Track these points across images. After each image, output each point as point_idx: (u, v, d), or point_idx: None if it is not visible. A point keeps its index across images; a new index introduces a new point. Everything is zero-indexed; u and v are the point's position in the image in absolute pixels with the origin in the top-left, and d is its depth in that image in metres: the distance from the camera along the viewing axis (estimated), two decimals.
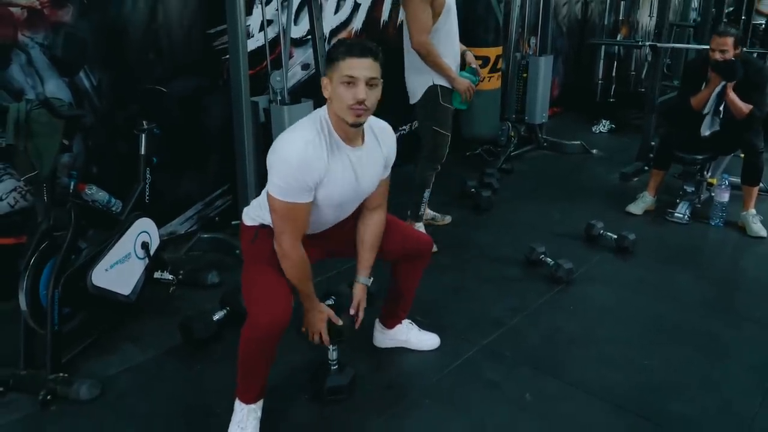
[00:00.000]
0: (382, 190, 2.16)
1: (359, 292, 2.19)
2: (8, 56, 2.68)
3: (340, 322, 2.11)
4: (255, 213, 2.10)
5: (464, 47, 3.46)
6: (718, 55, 3.59)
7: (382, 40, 4.20)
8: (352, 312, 2.17)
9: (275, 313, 1.90)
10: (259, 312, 1.91)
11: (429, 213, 3.83)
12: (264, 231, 2.05)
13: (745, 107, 3.60)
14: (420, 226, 3.55)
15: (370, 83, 1.85)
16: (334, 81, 1.85)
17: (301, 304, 2.07)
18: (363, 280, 2.20)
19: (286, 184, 1.87)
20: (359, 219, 2.19)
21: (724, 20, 5.32)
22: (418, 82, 3.18)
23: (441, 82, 3.17)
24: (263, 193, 2.05)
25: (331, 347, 2.21)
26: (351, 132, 1.94)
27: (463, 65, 3.38)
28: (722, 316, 2.85)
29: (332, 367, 2.24)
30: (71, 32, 2.78)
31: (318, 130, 1.90)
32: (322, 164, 1.88)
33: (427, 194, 3.48)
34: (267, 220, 2.04)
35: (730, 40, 3.58)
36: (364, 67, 1.83)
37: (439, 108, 3.21)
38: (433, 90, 3.17)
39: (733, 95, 3.60)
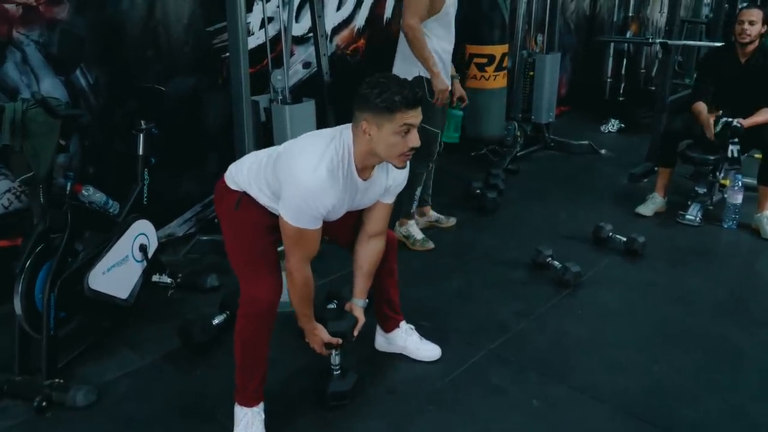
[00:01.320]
0: (383, 216, 2.15)
1: (359, 313, 2.21)
2: (3, 54, 2.64)
3: (339, 342, 2.14)
4: (242, 180, 2.03)
5: (455, 72, 3.45)
6: (746, 26, 3.59)
7: (385, 38, 4.13)
8: (355, 333, 2.19)
9: (270, 287, 1.98)
10: (254, 288, 1.98)
11: (433, 215, 3.77)
12: (247, 197, 2.01)
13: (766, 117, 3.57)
14: (412, 224, 3.50)
15: (417, 126, 1.88)
16: (385, 129, 1.83)
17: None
18: (361, 303, 2.22)
19: (301, 211, 1.87)
20: (358, 243, 2.19)
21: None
22: (403, 70, 3.09)
23: (428, 76, 3.09)
24: (254, 159, 2.04)
25: (333, 352, 2.20)
26: (370, 166, 1.96)
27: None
28: (734, 320, 2.78)
29: (335, 372, 2.23)
30: (67, 29, 2.76)
31: (339, 160, 1.88)
32: (337, 195, 1.89)
33: (418, 192, 3.44)
34: (252, 192, 2.00)
35: (759, 13, 3.59)
36: (417, 115, 1.87)
37: (427, 104, 3.12)
38: (419, 83, 3.09)
39: (750, 121, 3.57)
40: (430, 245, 3.46)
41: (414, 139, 1.87)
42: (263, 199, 2.00)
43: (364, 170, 1.95)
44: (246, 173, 2.03)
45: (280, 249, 2.04)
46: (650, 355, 2.51)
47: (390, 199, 2.15)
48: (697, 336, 2.66)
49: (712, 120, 3.62)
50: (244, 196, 2.02)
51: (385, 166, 2.03)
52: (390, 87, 1.83)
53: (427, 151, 3.27)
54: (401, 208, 3.42)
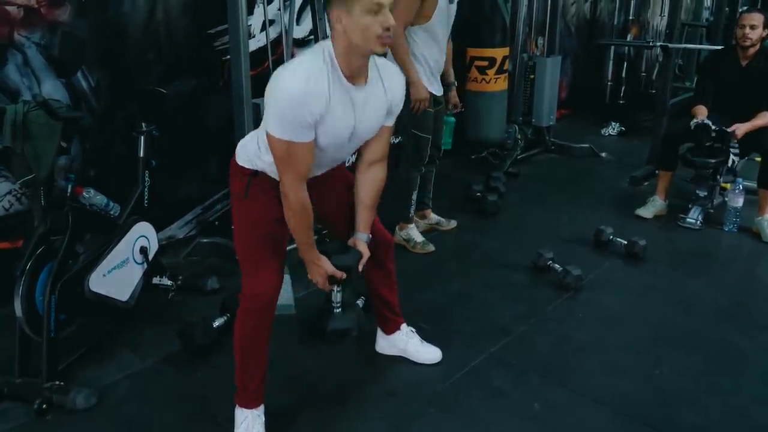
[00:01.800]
0: (383, 141, 2.05)
1: (363, 248, 2.09)
2: (4, 56, 2.64)
3: (343, 276, 2.02)
4: (252, 153, 1.96)
5: (452, 79, 3.46)
6: (747, 30, 3.60)
7: None
8: (360, 269, 2.08)
9: (269, 281, 1.99)
10: (254, 281, 1.98)
11: (434, 218, 3.77)
12: (257, 180, 1.95)
13: (766, 120, 3.58)
14: (412, 227, 3.51)
15: (390, 8, 1.77)
16: (355, 11, 1.72)
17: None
18: (364, 237, 2.10)
19: (284, 121, 1.75)
20: (357, 173, 2.09)
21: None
22: None
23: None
24: (257, 135, 1.97)
25: (335, 289, 2.08)
26: (357, 68, 1.83)
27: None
28: (735, 324, 2.78)
29: (336, 310, 2.11)
30: (69, 32, 2.77)
31: (321, 65, 1.78)
32: (322, 100, 1.76)
33: (414, 195, 3.45)
34: (262, 165, 1.94)
35: (759, 17, 3.61)
36: None
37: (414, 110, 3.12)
38: (405, 86, 3.06)
39: (749, 125, 3.59)
40: (431, 248, 3.46)
41: (387, 18, 1.74)
42: (268, 166, 1.92)
43: (353, 76, 1.83)
44: (254, 143, 1.97)
45: (289, 248, 2.02)
46: (651, 359, 2.51)
47: (390, 122, 2.04)
48: (698, 339, 2.66)
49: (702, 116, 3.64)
50: (254, 178, 1.95)
51: (378, 78, 1.93)
52: None
53: (419, 156, 3.29)
54: (400, 213, 3.42)
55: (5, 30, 2.63)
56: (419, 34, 3.05)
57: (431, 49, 3.11)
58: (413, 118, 3.14)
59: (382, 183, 2.10)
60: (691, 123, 3.66)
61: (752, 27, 3.58)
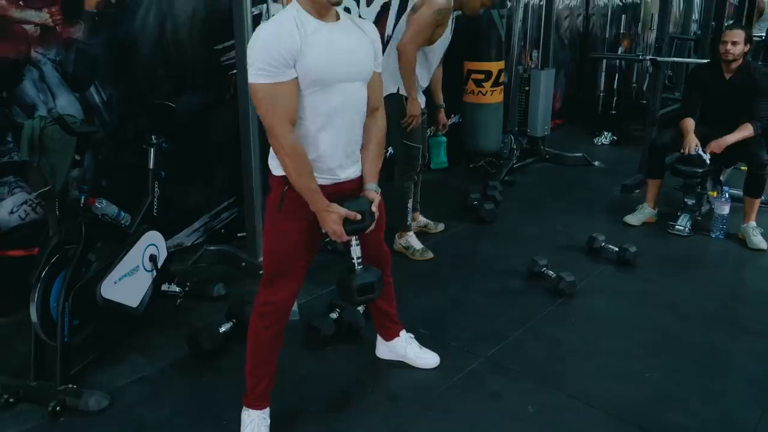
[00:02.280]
0: (376, 86, 2.08)
1: (373, 195, 2.07)
2: (21, 72, 2.74)
3: (358, 217, 1.98)
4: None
5: (441, 102, 3.64)
6: (729, 47, 3.70)
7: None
8: (374, 209, 2.05)
9: (287, 293, 2.08)
10: (272, 289, 2.06)
11: (422, 220, 3.89)
12: (291, 193, 1.95)
13: (748, 133, 3.69)
14: (411, 235, 3.61)
15: None
16: None
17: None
18: (374, 186, 2.09)
19: (263, 64, 1.78)
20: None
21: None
22: (385, 83, 3.20)
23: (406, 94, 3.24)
24: None
25: (353, 241, 2.04)
26: (324, 10, 1.88)
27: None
28: (723, 329, 2.87)
29: (357, 266, 2.06)
30: (83, 48, 2.85)
31: (288, 13, 1.86)
32: (294, 34, 1.81)
33: (410, 204, 3.56)
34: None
35: (741, 33, 3.71)
36: None
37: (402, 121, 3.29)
38: (398, 100, 3.23)
39: (731, 138, 3.69)
40: (429, 255, 3.56)
41: None
42: None
43: (320, 16, 1.88)
44: None
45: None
46: (642, 363, 2.59)
47: (378, 67, 2.08)
48: (688, 344, 2.74)
49: (693, 143, 3.76)
50: (288, 191, 1.96)
51: (352, 22, 1.99)
52: None
53: (411, 166, 3.42)
54: (398, 222, 3.52)
55: (23, 47, 2.72)
56: (418, 55, 3.21)
57: (423, 70, 3.30)
58: (404, 130, 3.28)
59: (383, 129, 2.13)
60: (683, 150, 3.77)
61: (734, 43, 3.69)
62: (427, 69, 3.35)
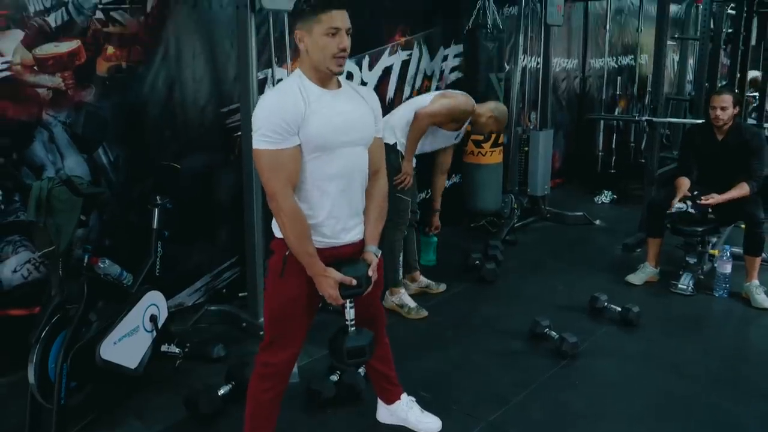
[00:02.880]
0: (376, 151, 2.13)
1: (372, 258, 2.10)
2: (32, 134, 2.81)
3: (354, 282, 2.00)
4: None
5: (438, 206, 3.89)
6: (718, 112, 3.77)
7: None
8: (371, 274, 2.07)
9: (287, 357, 2.10)
10: (272, 352, 2.08)
11: (423, 280, 3.90)
12: (292, 259, 1.98)
13: (744, 192, 3.73)
14: (403, 293, 3.62)
15: (348, 32, 1.94)
16: (315, 33, 1.91)
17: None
18: (374, 249, 2.12)
19: (267, 131, 1.87)
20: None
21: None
22: (388, 132, 3.34)
23: (403, 150, 3.42)
24: None
25: (348, 304, 2.06)
26: (326, 79, 1.98)
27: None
28: (730, 390, 2.84)
29: (350, 328, 2.08)
30: (92, 111, 2.92)
31: (291, 81, 1.97)
32: (299, 102, 1.90)
33: (399, 259, 3.61)
34: None
35: (729, 98, 3.78)
36: (344, 18, 1.93)
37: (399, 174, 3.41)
38: (392, 151, 3.34)
39: (726, 196, 3.73)
40: (424, 313, 3.56)
41: (343, 40, 1.91)
42: None
43: (323, 84, 1.97)
44: None
45: None
46: (648, 427, 2.55)
47: (379, 132, 2.14)
48: (694, 407, 2.71)
49: (679, 197, 3.81)
50: (290, 256, 1.98)
51: (352, 89, 2.08)
52: None
53: (401, 218, 3.47)
54: (388, 278, 3.52)
55: (35, 110, 2.80)
56: (427, 134, 3.46)
57: (426, 141, 3.51)
58: (394, 179, 3.37)
59: (384, 192, 2.18)
60: (672, 209, 3.81)
61: (723, 108, 3.76)
62: (428, 147, 3.60)
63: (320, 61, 1.93)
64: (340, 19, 1.92)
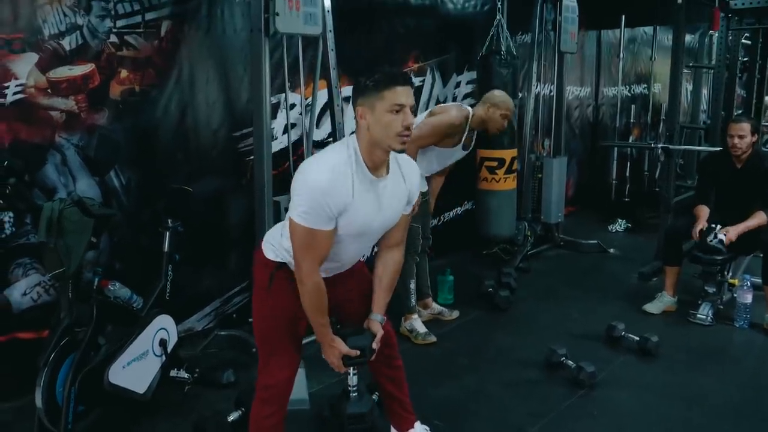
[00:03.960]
0: (402, 226, 2.15)
1: (377, 327, 2.16)
2: (45, 156, 2.81)
3: (356, 353, 2.07)
4: (277, 245, 2.06)
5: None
6: (736, 140, 3.72)
7: None
8: (375, 346, 2.13)
9: (285, 373, 2.07)
10: (270, 372, 2.06)
11: (436, 307, 3.85)
12: (281, 273, 2.03)
13: (761, 221, 3.68)
14: (415, 318, 3.57)
15: (412, 109, 1.91)
16: (378, 110, 1.87)
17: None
18: (379, 318, 2.17)
19: (309, 210, 1.86)
20: (376, 258, 2.19)
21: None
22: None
23: None
24: (282, 226, 2.07)
25: (351, 371, 2.17)
26: (380, 161, 1.95)
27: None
28: (751, 422, 2.75)
29: (352, 394, 2.20)
30: (105, 134, 2.93)
31: (346, 158, 1.91)
32: (347, 191, 1.88)
33: (412, 285, 3.55)
34: (284, 255, 2.03)
35: (747, 126, 3.73)
36: (408, 95, 1.89)
37: None
38: None
39: (743, 227, 3.67)
40: (432, 339, 3.51)
41: (408, 117, 1.87)
42: (289, 256, 2.01)
43: (375, 168, 1.95)
44: (279, 235, 2.07)
45: (305, 341, 2.08)
46: None
47: (408, 210, 2.15)
48: None
49: (700, 227, 3.75)
50: (277, 272, 2.03)
51: (398, 169, 2.04)
52: (380, 70, 1.90)
53: (412, 245, 3.40)
54: (402, 303, 3.50)
55: (48, 132, 2.81)
56: (431, 153, 3.40)
57: (430, 165, 3.48)
58: None
59: (399, 265, 2.20)
60: (693, 234, 3.76)
61: (741, 137, 3.72)
62: (436, 162, 3.50)
63: (382, 139, 1.90)
64: (405, 95, 1.89)
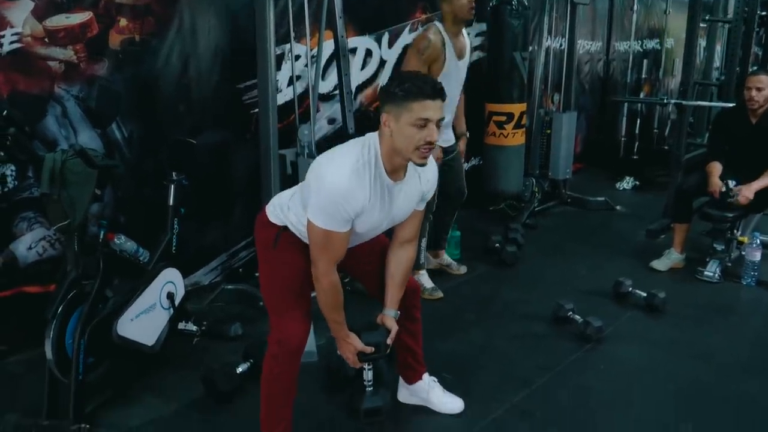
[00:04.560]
0: (415, 223, 2.14)
1: (391, 323, 2.17)
2: (44, 108, 2.76)
3: (371, 350, 2.11)
4: (281, 213, 2.04)
5: (463, 129, 3.58)
6: (754, 93, 3.64)
7: None
8: (389, 342, 2.16)
9: (298, 328, 2.02)
10: (282, 328, 2.01)
11: (446, 259, 3.85)
12: (286, 235, 2.02)
13: None
14: (423, 274, 3.56)
15: (438, 124, 1.85)
16: (402, 120, 1.81)
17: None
18: (393, 313, 2.18)
19: (327, 213, 1.85)
20: (389, 252, 2.17)
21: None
22: None
23: None
24: (290, 195, 2.05)
25: (366, 367, 2.21)
26: (399, 166, 1.93)
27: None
28: (758, 378, 2.75)
29: (367, 389, 2.24)
30: (106, 85, 2.87)
31: (366, 161, 1.87)
32: (364, 196, 1.86)
33: (423, 243, 3.52)
34: (291, 222, 2.02)
35: (765, 78, 3.66)
36: (437, 109, 1.82)
37: None
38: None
39: (757, 185, 3.61)
40: (439, 294, 3.50)
41: (432, 133, 1.82)
42: (301, 228, 1.99)
43: (394, 172, 1.92)
44: (287, 200, 2.05)
45: (313, 295, 2.07)
46: (675, 414, 2.48)
47: (422, 206, 2.13)
48: (722, 395, 2.62)
49: (718, 187, 3.68)
50: (283, 232, 2.02)
51: (415, 172, 2.01)
52: (411, 78, 1.83)
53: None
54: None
55: (46, 83, 2.75)
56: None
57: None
58: None
59: (412, 262, 2.20)
60: (710, 190, 3.71)
61: (758, 89, 3.63)
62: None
63: (402, 150, 1.85)
64: (434, 109, 1.81)
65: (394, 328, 2.16)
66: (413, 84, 1.81)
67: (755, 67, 6.01)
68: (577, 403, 2.55)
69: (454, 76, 3.24)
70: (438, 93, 1.83)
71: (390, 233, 2.18)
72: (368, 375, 2.22)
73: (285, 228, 2.03)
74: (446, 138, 3.39)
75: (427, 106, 1.80)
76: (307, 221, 1.90)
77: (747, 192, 3.61)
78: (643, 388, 2.65)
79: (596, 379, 2.73)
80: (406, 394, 2.50)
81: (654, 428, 2.39)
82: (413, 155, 1.85)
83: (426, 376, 2.48)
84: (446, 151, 3.38)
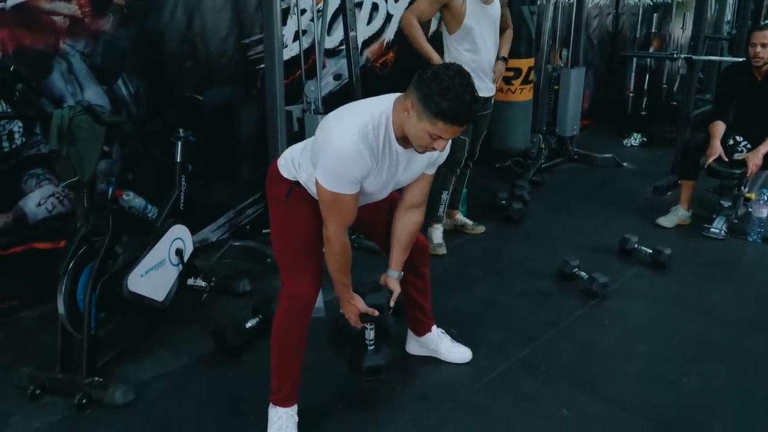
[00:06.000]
0: (423, 187, 2.12)
1: (394, 285, 2.19)
2: (50, 64, 2.73)
3: (376, 313, 2.15)
4: (292, 168, 2.02)
5: (504, 53, 3.45)
6: (759, 49, 3.57)
7: (413, 51, 4.21)
8: (392, 304, 2.19)
9: (309, 283, 2.03)
10: (293, 283, 2.03)
11: (460, 219, 3.84)
12: (298, 190, 2.01)
13: None
14: (438, 228, 3.57)
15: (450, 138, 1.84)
16: (422, 123, 1.76)
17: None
18: (396, 275, 2.20)
19: (335, 175, 1.83)
20: (396, 214, 2.16)
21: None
22: None
23: None
24: (301, 150, 2.03)
25: (368, 326, 2.23)
26: (408, 144, 1.91)
27: None
28: (763, 334, 2.77)
29: (369, 348, 2.26)
30: (111, 41, 2.83)
31: (376, 125, 1.83)
32: (373, 161, 1.85)
33: (445, 196, 3.52)
34: (302, 179, 2.01)
35: None
36: (457, 132, 1.80)
37: None
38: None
39: (764, 149, 3.57)
40: (442, 251, 3.52)
41: (441, 146, 1.82)
42: (311, 186, 1.97)
43: (403, 139, 1.88)
44: (298, 155, 2.02)
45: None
46: (679, 368, 2.51)
47: (432, 170, 2.10)
48: (726, 350, 2.65)
49: (719, 149, 3.65)
50: (296, 186, 2.01)
51: None
52: (454, 91, 1.71)
53: (454, 156, 3.31)
54: (430, 211, 3.47)
55: (51, 39, 2.72)
56: (456, 40, 3.18)
57: (468, 53, 3.20)
58: None
59: (418, 226, 2.18)
60: (707, 155, 3.68)
61: (763, 45, 3.54)
62: (474, 51, 3.21)
63: (409, 138, 1.84)
64: (453, 132, 1.79)
65: (397, 289, 2.19)
66: (452, 103, 1.71)
67: (766, 21, 5.88)
68: (582, 358, 2.59)
69: (484, 23, 3.17)
70: (469, 119, 1.79)
71: (402, 191, 2.17)
72: (370, 335, 2.24)
73: (297, 183, 2.02)
74: (486, 86, 3.33)
75: (452, 130, 1.77)
76: (316, 183, 1.89)
77: (755, 159, 3.58)
78: (647, 344, 2.69)
79: (601, 334, 2.76)
80: (415, 345, 2.54)
81: (658, 383, 2.42)
82: (417, 147, 1.86)
83: (434, 328, 2.52)
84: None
